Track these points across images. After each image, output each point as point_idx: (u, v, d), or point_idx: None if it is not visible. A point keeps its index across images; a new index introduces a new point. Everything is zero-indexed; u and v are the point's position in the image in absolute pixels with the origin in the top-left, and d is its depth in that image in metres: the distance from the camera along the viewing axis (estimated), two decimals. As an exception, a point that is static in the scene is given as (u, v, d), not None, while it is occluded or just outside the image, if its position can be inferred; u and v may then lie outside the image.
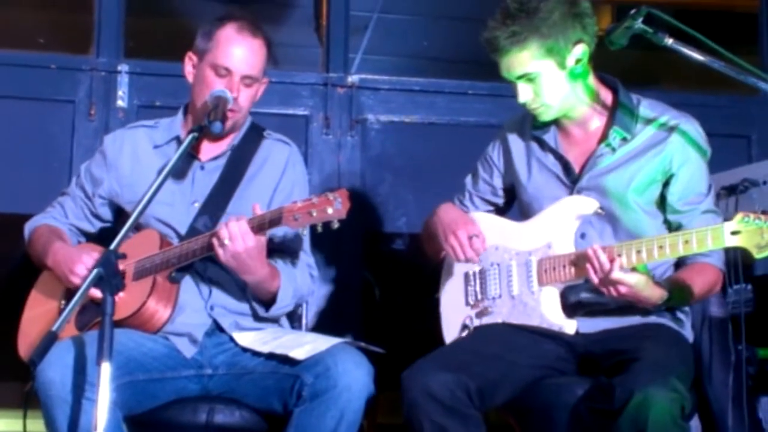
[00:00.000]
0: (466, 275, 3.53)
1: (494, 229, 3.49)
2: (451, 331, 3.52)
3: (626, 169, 3.30)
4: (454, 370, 3.10)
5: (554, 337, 3.28)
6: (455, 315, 3.53)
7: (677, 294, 3.19)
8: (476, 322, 3.44)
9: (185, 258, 3.32)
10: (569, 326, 3.27)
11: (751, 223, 2.92)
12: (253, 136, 3.60)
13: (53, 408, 3.03)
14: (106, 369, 2.70)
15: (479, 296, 3.47)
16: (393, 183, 4.98)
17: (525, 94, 3.29)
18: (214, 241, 3.22)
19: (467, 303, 3.50)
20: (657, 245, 3.07)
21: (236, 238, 3.18)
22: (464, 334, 3.46)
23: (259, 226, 3.19)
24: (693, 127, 3.31)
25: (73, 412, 3.00)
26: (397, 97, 5.04)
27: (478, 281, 3.48)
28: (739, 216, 2.94)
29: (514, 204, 3.62)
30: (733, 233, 2.94)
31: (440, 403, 3.06)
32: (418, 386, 3.07)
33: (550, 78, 3.26)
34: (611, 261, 3.03)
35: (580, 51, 3.27)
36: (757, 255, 2.94)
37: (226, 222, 3.21)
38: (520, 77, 3.27)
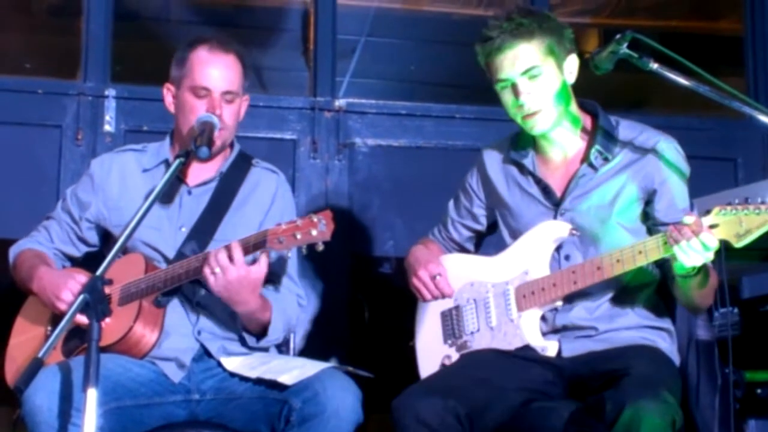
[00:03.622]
0: (443, 314, 3.53)
1: (467, 267, 3.53)
2: (428, 373, 3.50)
3: (608, 188, 3.31)
4: (444, 395, 3.10)
5: (541, 361, 3.28)
6: (433, 355, 3.52)
7: (705, 272, 3.13)
8: (455, 359, 3.44)
9: (171, 282, 3.31)
10: (551, 347, 3.28)
11: (728, 213, 2.95)
12: (242, 164, 3.61)
13: (40, 434, 3.02)
14: (92, 395, 2.69)
15: (457, 333, 3.47)
16: (380, 207, 4.98)
17: (527, 89, 3.26)
18: (206, 269, 3.21)
19: (445, 341, 3.50)
20: (637, 251, 3.11)
21: (228, 267, 3.18)
22: None
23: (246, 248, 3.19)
24: (672, 146, 3.32)
25: (60, 439, 3.00)
26: (385, 120, 5.05)
27: (455, 319, 3.49)
28: (716, 209, 2.97)
29: (496, 229, 3.62)
30: (712, 227, 2.96)
31: (431, 429, 3.06)
32: (409, 412, 3.08)
33: (550, 78, 3.26)
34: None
35: (574, 63, 3.31)
36: (737, 244, 2.96)
37: (216, 249, 3.22)
38: (524, 72, 3.25)
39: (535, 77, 3.26)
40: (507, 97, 3.31)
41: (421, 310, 3.63)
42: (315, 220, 3.07)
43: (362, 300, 5.01)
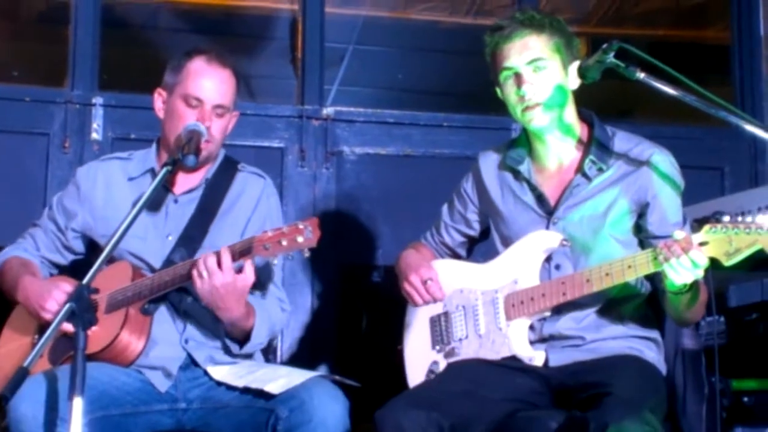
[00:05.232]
0: (432, 320, 3.53)
1: (458, 273, 3.52)
2: (416, 378, 3.51)
3: (602, 199, 3.31)
4: (427, 407, 3.08)
5: (527, 370, 3.28)
6: (420, 361, 3.52)
7: (696, 289, 3.14)
8: (443, 366, 3.44)
9: (157, 290, 3.31)
10: (538, 357, 3.28)
11: (718, 232, 2.96)
12: (227, 170, 3.60)
13: (26, 444, 3.01)
14: (78, 404, 2.68)
15: (445, 339, 3.47)
16: (368, 215, 4.98)
17: (531, 80, 3.27)
18: (194, 271, 3.21)
19: (433, 347, 3.50)
20: (626, 265, 3.11)
21: (215, 272, 3.18)
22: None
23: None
24: (667, 159, 3.32)
25: (46, 448, 2.98)
26: (372, 129, 5.05)
27: (443, 325, 3.49)
28: (706, 227, 2.97)
29: (489, 235, 3.62)
30: (702, 244, 2.96)
31: None
32: (391, 425, 3.06)
33: (554, 74, 3.28)
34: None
35: (576, 71, 3.31)
36: (726, 262, 2.96)
37: (205, 254, 3.21)
38: (530, 62, 3.27)
39: (540, 69, 3.27)
40: (509, 88, 3.32)
41: (410, 315, 3.63)
42: (301, 227, 3.08)
43: (361, 309, 5.00)
